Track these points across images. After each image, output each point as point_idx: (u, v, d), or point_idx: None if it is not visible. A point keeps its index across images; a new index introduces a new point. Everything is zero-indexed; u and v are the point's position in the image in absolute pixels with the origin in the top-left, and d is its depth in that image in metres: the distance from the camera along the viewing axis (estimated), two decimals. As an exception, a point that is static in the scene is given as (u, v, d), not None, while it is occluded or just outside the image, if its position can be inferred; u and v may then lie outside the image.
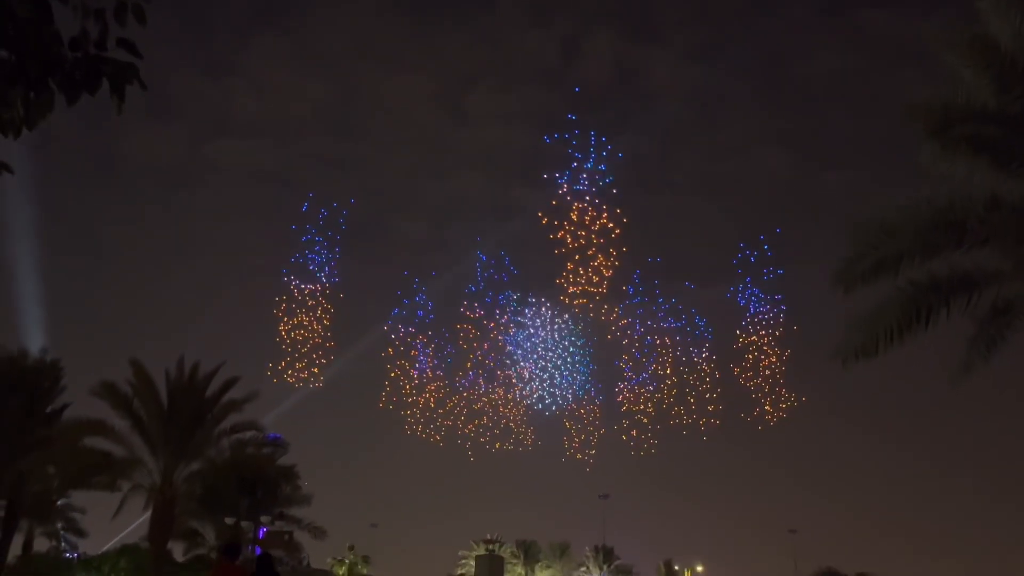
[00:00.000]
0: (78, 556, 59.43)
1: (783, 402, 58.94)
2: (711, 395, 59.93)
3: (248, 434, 34.91)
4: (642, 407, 61.00)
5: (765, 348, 58.61)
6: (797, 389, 62.68)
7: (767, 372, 59.21)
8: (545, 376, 59.01)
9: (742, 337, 58.73)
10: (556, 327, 58.77)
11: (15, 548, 47.91)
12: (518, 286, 57.59)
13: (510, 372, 60.90)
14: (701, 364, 60.02)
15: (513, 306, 57.06)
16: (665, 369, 59.80)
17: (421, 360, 60.80)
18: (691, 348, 58.79)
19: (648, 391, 60.10)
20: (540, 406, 58.96)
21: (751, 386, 58.21)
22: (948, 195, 14.06)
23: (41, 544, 55.51)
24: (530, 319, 58.64)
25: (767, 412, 58.48)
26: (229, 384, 33.79)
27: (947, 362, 16.34)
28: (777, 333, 58.19)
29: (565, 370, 59.10)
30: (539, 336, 58.65)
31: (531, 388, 59.50)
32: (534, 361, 59.16)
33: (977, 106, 13.61)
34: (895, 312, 14.18)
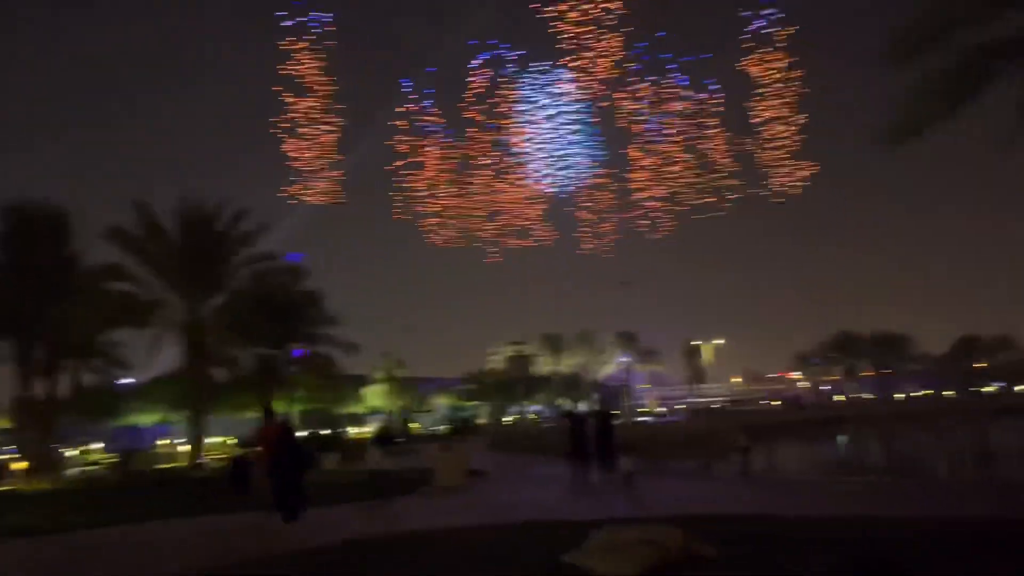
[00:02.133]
0: (127, 386, 62.55)
1: (799, 171, 57.25)
2: (726, 170, 58.25)
3: (268, 263, 34.83)
4: (656, 191, 59.83)
5: (779, 117, 55.88)
6: (813, 157, 60.86)
7: (782, 140, 56.83)
8: (555, 159, 57.40)
9: (755, 105, 55.93)
10: (562, 108, 56.37)
11: (64, 387, 50.03)
12: (521, 64, 54.51)
13: (520, 162, 59.33)
14: (715, 138, 57.88)
15: (517, 80, 54.38)
16: (678, 147, 57.83)
17: (432, 151, 58.96)
18: (703, 121, 56.38)
19: (662, 172, 58.61)
20: (553, 191, 57.90)
21: (767, 157, 56.34)
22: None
23: (90, 380, 58.17)
24: (534, 97, 56.04)
25: (783, 182, 56.99)
26: (239, 217, 33.27)
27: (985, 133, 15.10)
28: (791, 100, 55.37)
29: (575, 154, 57.46)
30: (545, 116, 56.44)
31: (542, 175, 58.11)
32: (542, 144, 57.24)
33: None
34: (944, 82, 12.80)
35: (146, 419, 61.82)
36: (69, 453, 51.60)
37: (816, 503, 11.85)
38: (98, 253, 35.50)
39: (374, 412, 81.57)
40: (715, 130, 56.54)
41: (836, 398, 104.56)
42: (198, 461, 28.77)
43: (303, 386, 58.13)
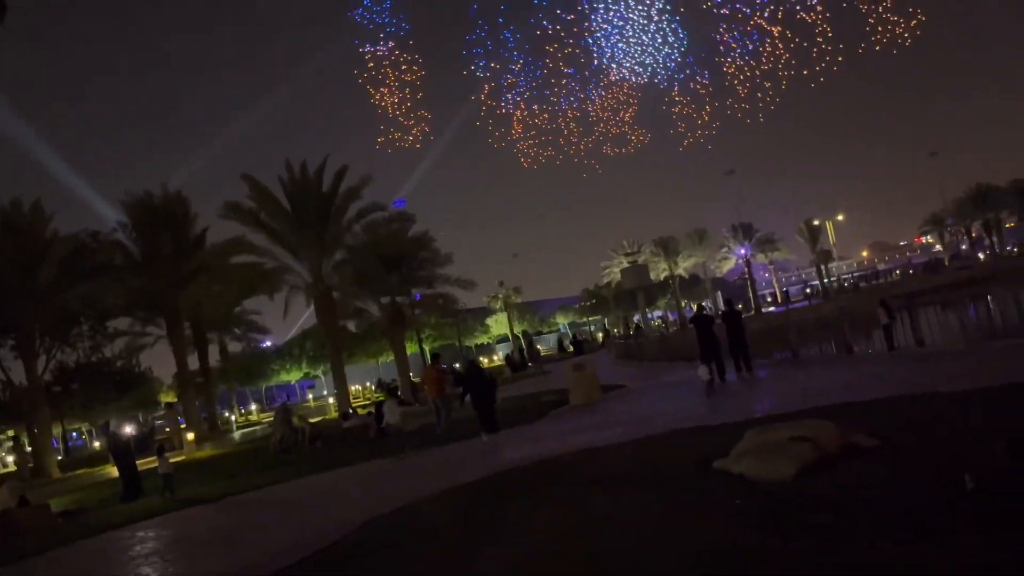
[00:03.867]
0: (269, 347, 66.65)
1: (906, 23, 52.63)
2: (825, 35, 54.28)
3: (376, 215, 35.63)
4: (750, 70, 56.72)
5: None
6: (918, 3, 55.71)
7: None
8: (641, 50, 55.20)
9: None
10: (639, 6, 53.86)
11: (213, 357, 53.75)
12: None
13: (604, 67, 57.40)
14: (810, 6, 53.89)
15: None
16: (768, 19, 54.27)
17: (519, 82, 58.14)
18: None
19: (756, 48, 55.35)
20: (644, 83, 55.84)
21: (866, 11, 51.97)
22: None
23: (235, 348, 62.32)
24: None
25: (888, 40, 52.57)
26: (341, 174, 33.98)
27: None
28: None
29: (662, 46, 55.01)
30: (624, 20, 54.14)
31: (629, 69, 56.11)
32: (627, 41, 55.06)
33: None
34: None
35: (291, 377, 65.85)
36: (231, 418, 55.71)
37: (970, 374, 11.23)
38: (222, 231, 37.39)
39: (500, 340, 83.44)
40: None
41: (979, 256, 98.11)
42: (348, 411, 30.38)
43: (429, 326, 60.08)
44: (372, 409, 25.77)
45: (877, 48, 52.12)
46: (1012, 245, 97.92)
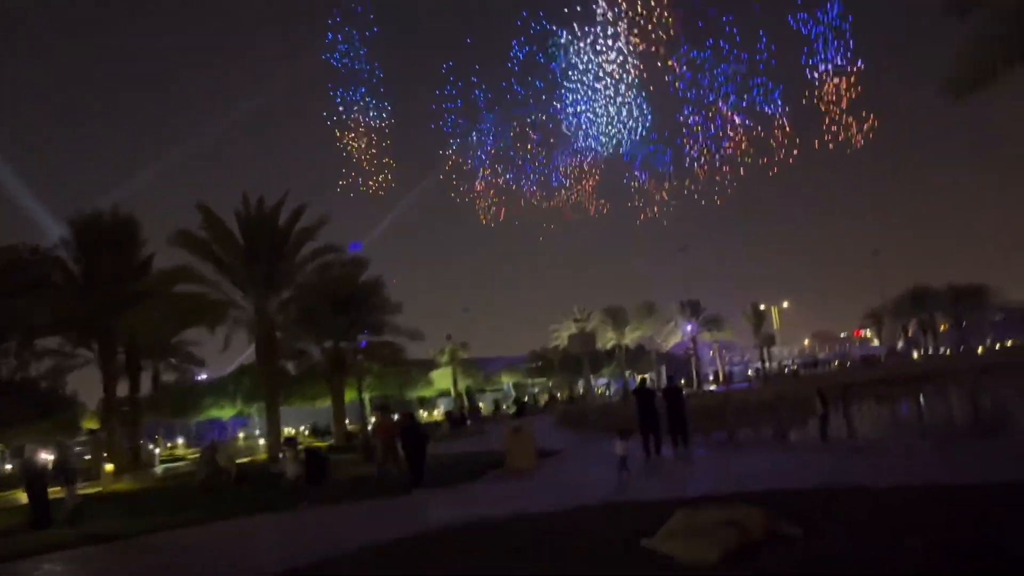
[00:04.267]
0: (204, 380, 64.78)
1: (860, 125, 55.54)
2: (783, 129, 56.87)
3: (330, 256, 35.35)
4: (711, 153, 58.82)
5: (834, 75, 54.39)
6: (875, 110, 58.90)
7: (839, 98, 55.30)
8: (605, 124, 56.86)
9: (809, 64, 54.49)
10: (611, 82, 55.64)
11: (145, 386, 51.98)
12: (562, 49, 53.99)
13: (570, 135, 58.92)
14: (771, 98, 56.46)
15: (561, 58, 53.86)
16: (731, 109, 56.66)
17: (485, 141, 59.24)
18: (757, 80, 55.10)
19: (717, 134, 57.55)
20: (607, 155, 57.36)
21: (824, 112, 54.74)
22: None
23: (168, 378, 60.42)
24: (585, 62, 55.35)
25: (844, 139, 55.39)
26: (298, 213, 33.76)
27: None
28: (844, 60, 53.74)
29: (626, 124, 56.74)
30: (594, 92, 55.82)
31: (595, 141, 57.69)
32: (595, 112, 56.75)
33: None
34: (1013, 29, 12.07)
35: (224, 413, 63.99)
36: (155, 451, 53.70)
37: (897, 471, 11.46)
38: (168, 257, 36.60)
39: (442, 395, 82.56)
40: (771, 88, 55.21)
41: (913, 355, 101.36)
42: (278, 454, 29.54)
43: (371, 374, 59.28)
44: (305, 452, 25.15)
45: (831, 146, 54.58)
46: (945, 347, 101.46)
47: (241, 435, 68.49)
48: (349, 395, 45.29)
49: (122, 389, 43.19)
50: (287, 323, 34.65)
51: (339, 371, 38.16)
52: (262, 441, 45.64)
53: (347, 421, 41.15)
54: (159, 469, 37.15)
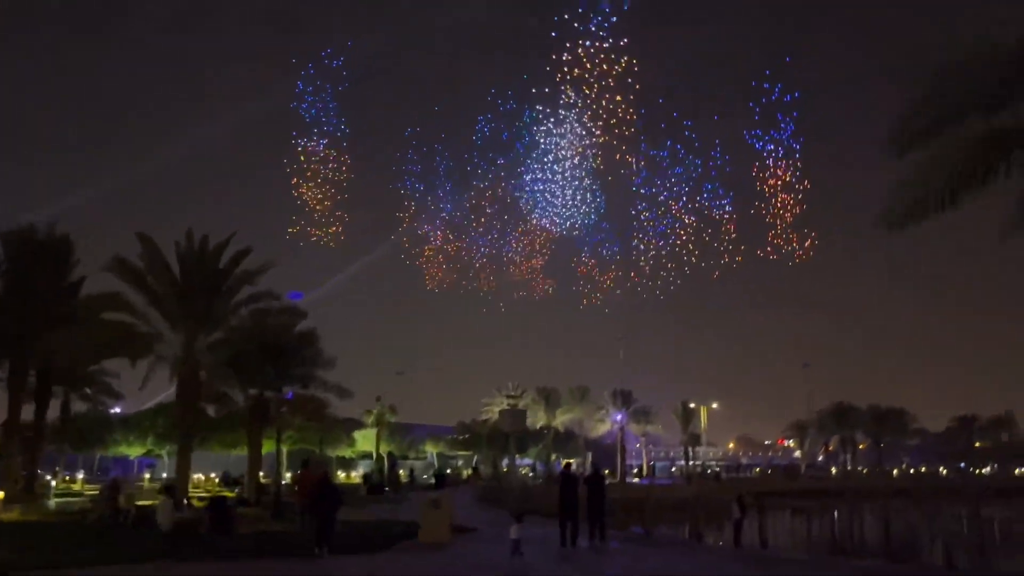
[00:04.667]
0: (117, 414, 61.98)
1: (802, 242, 57.96)
2: (730, 235, 58.86)
3: (268, 303, 34.71)
4: (658, 249, 60.40)
5: (782, 190, 57.05)
6: (816, 228, 61.69)
7: (785, 213, 57.87)
8: (560, 205, 58.09)
9: (759, 178, 57.14)
10: (569, 166, 57.17)
11: (53, 412, 49.57)
12: (526, 128, 55.46)
13: (525, 212, 60.01)
14: (720, 204, 58.65)
15: (525, 141, 55.21)
16: (682, 208, 58.58)
17: (442, 206, 59.80)
18: (708, 186, 57.25)
19: (665, 232, 59.25)
20: (558, 234, 58.49)
21: (770, 223, 57.04)
22: (1018, 36, 12.41)
23: (80, 407, 57.72)
24: (543, 154, 56.88)
25: (786, 251, 57.63)
26: (242, 255, 33.23)
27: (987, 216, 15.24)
28: (793, 177, 56.53)
29: (580, 210, 58.10)
30: (551, 175, 57.22)
31: (544, 223, 58.80)
32: (547, 198, 58.05)
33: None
34: (949, 171, 12.93)
35: (132, 451, 61.13)
36: (52, 482, 50.88)
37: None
38: (99, 282, 35.46)
39: (364, 456, 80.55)
40: (720, 194, 57.45)
41: (832, 469, 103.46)
42: (183, 500, 28.23)
43: (293, 428, 57.61)
44: (211, 502, 24.19)
45: (774, 257, 56.65)
46: (863, 466, 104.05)
47: (147, 476, 65.38)
48: (267, 446, 43.91)
49: (27, 413, 41.07)
50: (214, 365, 33.62)
51: (261, 420, 37.00)
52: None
53: (260, 474, 39.68)
54: (52, 502, 35.06)
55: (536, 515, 26.41)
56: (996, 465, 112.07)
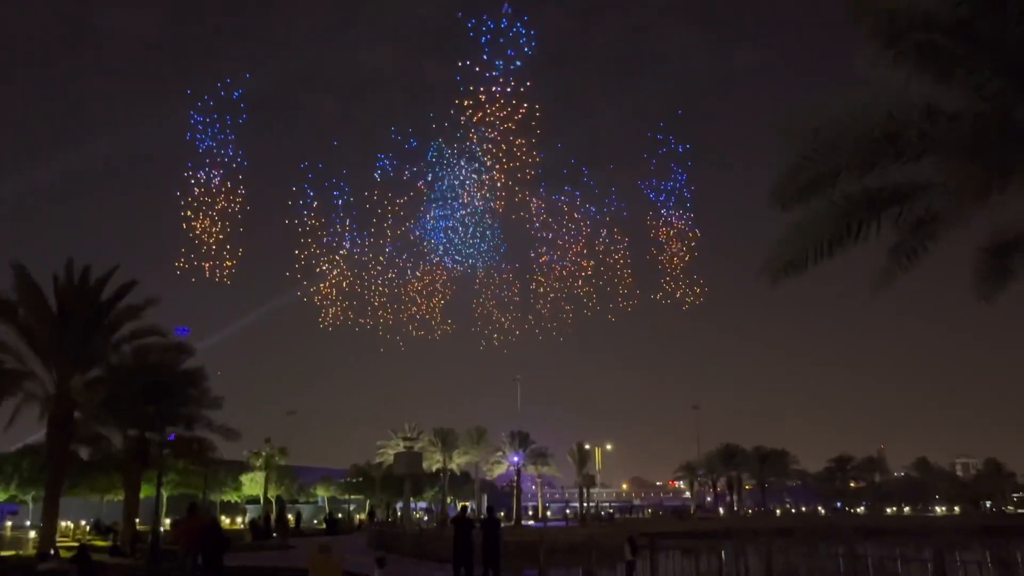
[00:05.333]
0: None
1: (692, 288, 60.50)
2: (625, 280, 60.82)
3: (151, 339, 33.15)
4: (557, 292, 61.57)
5: (674, 238, 59.65)
6: (706, 276, 64.68)
7: (676, 260, 60.50)
8: (461, 244, 58.49)
9: (652, 226, 59.59)
10: (470, 209, 57.80)
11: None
12: (429, 167, 55.88)
13: (424, 252, 59.97)
14: (616, 249, 60.61)
15: (426, 178, 55.48)
16: (580, 252, 60.11)
17: (340, 242, 58.91)
18: (605, 231, 59.13)
19: (563, 275, 60.53)
20: (457, 273, 58.71)
21: (663, 270, 59.36)
22: (886, 105, 13.52)
23: (-67, 449, 53.09)
24: (442, 197, 57.34)
25: (678, 297, 60.03)
26: (126, 288, 31.71)
27: (861, 270, 16.37)
28: (686, 226, 59.23)
29: (481, 250, 58.64)
30: (454, 213, 57.65)
31: (445, 262, 59.00)
32: (448, 237, 58.38)
33: (921, 11, 12.82)
34: (827, 226, 13.87)
35: (-7, 496, 56.46)
36: None
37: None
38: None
39: (250, 501, 77.20)
40: (616, 240, 59.24)
41: (720, 510, 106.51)
42: (49, 551, 26.21)
43: (175, 470, 54.69)
44: (77, 552, 22.59)
45: (666, 302, 58.61)
46: (749, 507, 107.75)
47: (9, 524, 60.42)
48: (145, 491, 41.49)
49: None
50: (90, 404, 31.67)
51: (140, 463, 35.00)
52: (32, 533, 40.49)
53: (136, 520, 37.39)
54: None
55: (431, 560, 25.94)
56: (868, 504, 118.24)
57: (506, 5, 47.87)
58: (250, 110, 55.97)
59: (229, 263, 55.94)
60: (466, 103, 50.21)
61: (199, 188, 54.05)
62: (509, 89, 50.00)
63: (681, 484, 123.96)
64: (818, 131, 13.83)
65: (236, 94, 53.96)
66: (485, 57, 48.60)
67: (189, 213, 54.29)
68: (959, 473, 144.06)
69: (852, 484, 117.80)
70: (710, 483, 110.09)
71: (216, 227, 54.46)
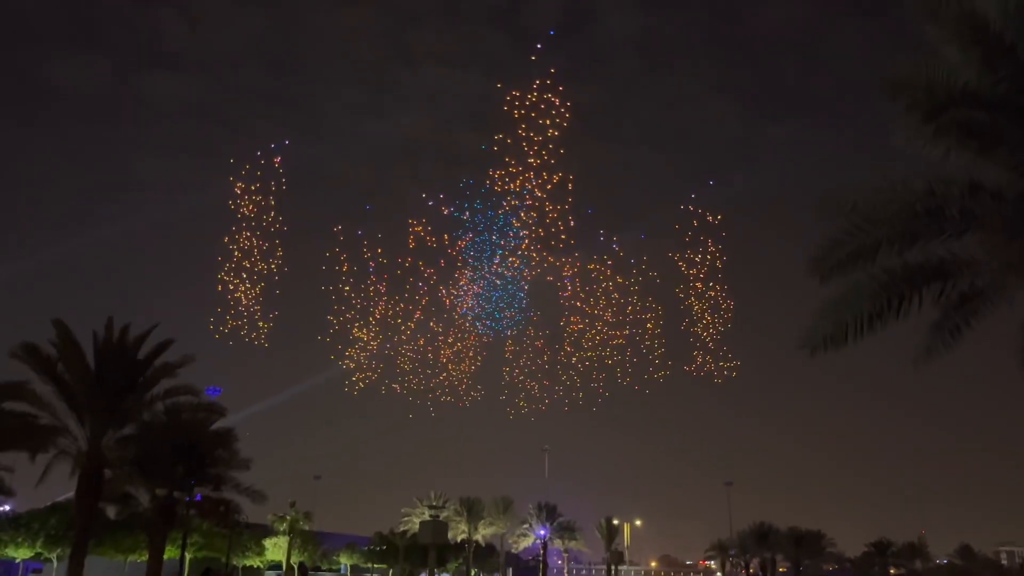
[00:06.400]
0: (7, 514, 57.36)
1: (725, 361, 59.75)
2: (657, 351, 60.32)
3: (185, 398, 33.37)
4: (588, 361, 61.14)
5: (706, 311, 59.28)
6: (739, 349, 63.97)
7: (710, 332, 59.97)
8: (490, 316, 58.63)
9: (683, 295, 59.30)
10: (501, 275, 58.15)
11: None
12: (464, 233, 56.53)
13: (455, 318, 60.19)
14: (648, 319, 60.30)
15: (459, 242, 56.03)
16: (611, 321, 59.89)
17: (373, 307, 59.39)
18: (637, 300, 58.95)
19: (594, 343, 60.20)
20: (487, 339, 58.68)
21: (695, 343, 58.80)
22: (925, 178, 13.47)
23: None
24: (476, 263, 57.79)
25: (710, 370, 59.27)
26: (163, 347, 32.10)
27: (902, 344, 16.03)
28: (718, 296, 58.86)
29: (511, 317, 58.72)
30: (486, 279, 58.00)
31: (476, 327, 59.11)
32: (480, 305, 58.62)
33: (961, 86, 12.85)
34: (867, 301, 13.68)
35: (19, 554, 56.32)
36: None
37: None
38: (4, 370, 33.50)
39: (273, 566, 76.10)
40: (649, 308, 58.95)
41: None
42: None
43: (200, 532, 54.26)
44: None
45: (699, 374, 57.81)
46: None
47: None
48: (169, 552, 41.12)
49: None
50: (121, 461, 31.77)
51: (166, 524, 34.80)
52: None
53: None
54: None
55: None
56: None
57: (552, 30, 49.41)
58: (289, 178, 57.45)
59: (264, 326, 56.65)
60: (498, 173, 51.10)
61: (238, 252, 55.21)
62: (542, 159, 50.84)
63: (712, 564, 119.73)
64: (856, 204, 13.79)
65: (274, 163, 55.56)
66: (520, 129, 49.62)
67: (226, 276, 55.37)
68: (1003, 562, 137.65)
69: (892, 571, 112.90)
70: (742, 564, 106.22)
71: (254, 291, 55.40)
